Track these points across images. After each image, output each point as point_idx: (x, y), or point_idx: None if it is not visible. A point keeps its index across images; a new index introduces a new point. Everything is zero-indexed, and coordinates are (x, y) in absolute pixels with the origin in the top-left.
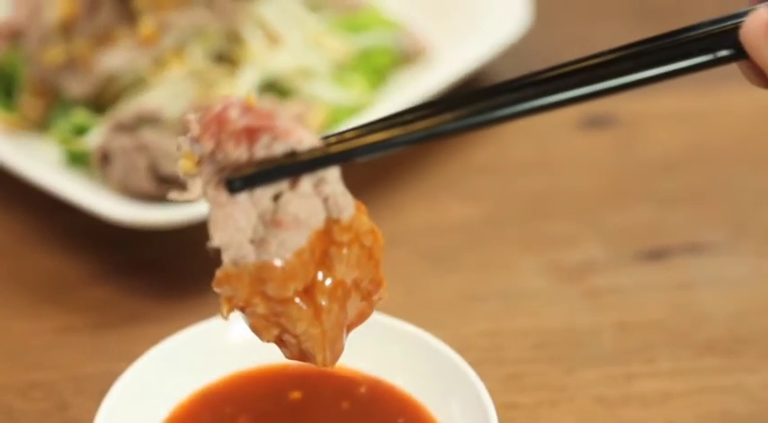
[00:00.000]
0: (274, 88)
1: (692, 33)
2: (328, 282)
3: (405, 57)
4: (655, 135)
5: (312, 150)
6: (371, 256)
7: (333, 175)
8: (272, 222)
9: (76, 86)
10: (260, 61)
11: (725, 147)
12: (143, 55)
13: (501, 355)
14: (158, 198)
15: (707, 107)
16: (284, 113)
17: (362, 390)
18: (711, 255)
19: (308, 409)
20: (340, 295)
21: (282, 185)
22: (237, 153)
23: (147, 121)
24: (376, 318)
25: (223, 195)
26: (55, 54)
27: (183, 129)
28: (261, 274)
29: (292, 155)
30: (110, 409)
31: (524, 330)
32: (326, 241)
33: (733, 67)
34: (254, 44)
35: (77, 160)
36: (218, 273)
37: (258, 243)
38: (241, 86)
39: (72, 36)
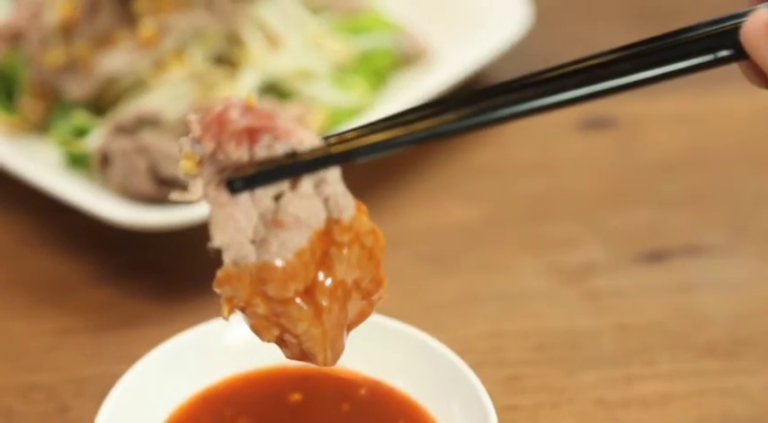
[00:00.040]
0: (274, 90)
1: (692, 34)
2: (329, 282)
3: (405, 59)
4: (655, 137)
5: (313, 151)
6: (372, 256)
7: (333, 175)
8: (272, 223)
9: (77, 88)
10: (260, 63)
11: (725, 149)
12: (143, 57)
13: (501, 356)
14: (158, 200)
15: (706, 109)
16: (285, 114)
17: (363, 391)
18: (711, 257)
19: (308, 410)
20: (340, 295)
21: (283, 186)
22: (238, 153)
23: (148, 123)
24: (376, 319)
25: (224, 196)
26: (55, 56)
27: (183, 129)
28: (262, 275)
29: (293, 155)
30: (110, 411)
31: (524, 332)
32: (327, 241)
33: (732, 69)
34: (255, 46)
35: (77, 162)
36: (219, 273)
37: (259, 243)
38: (241, 88)
39: (72, 38)
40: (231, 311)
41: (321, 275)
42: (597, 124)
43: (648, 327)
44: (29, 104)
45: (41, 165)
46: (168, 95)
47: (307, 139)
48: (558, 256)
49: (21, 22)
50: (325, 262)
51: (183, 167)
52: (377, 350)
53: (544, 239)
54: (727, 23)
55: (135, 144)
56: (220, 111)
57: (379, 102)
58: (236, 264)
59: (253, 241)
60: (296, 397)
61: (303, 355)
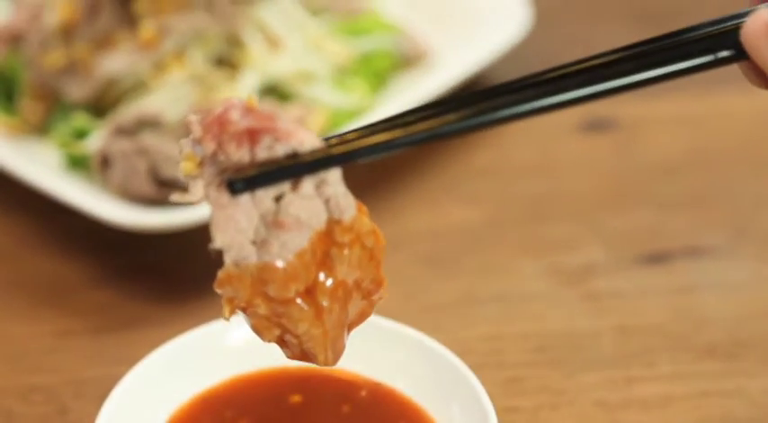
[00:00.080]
0: (275, 92)
1: (693, 34)
2: (330, 282)
3: (405, 60)
4: (655, 138)
5: (314, 152)
6: (373, 256)
7: (334, 176)
8: (273, 223)
9: (77, 90)
10: (260, 65)
11: (725, 150)
12: (143, 59)
13: (501, 358)
14: (158, 201)
15: (707, 111)
16: (285, 115)
17: (363, 393)
18: (712, 258)
19: (308, 412)
20: (341, 295)
21: (284, 187)
22: (239, 154)
23: (148, 124)
24: (376, 321)
25: (225, 197)
26: (55, 58)
27: (184, 131)
28: (262, 275)
29: (294, 156)
30: (110, 413)
31: (525, 334)
32: (328, 242)
33: (733, 70)
34: (255, 48)
35: (77, 164)
36: (220, 274)
37: (260, 244)
38: (241, 90)
39: (72, 40)
40: (232, 312)
41: (322, 276)
42: (597, 126)
43: (649, 328)
44: (29, 106)
45: (41, 166)
46: (168, 97)
47: (307, 140)
48: (558, 257)
49: (21, 24)
50: (325, 262)
51: (184, 168)
52: (377, 352)
53: (544, 241)
54: (728, 24)
55: (135, 146)
56: (221, 112)
57: (379, 103)
58: (236, 264)
59: (254, 242)
60: (296, 398)
61: (304, 355)
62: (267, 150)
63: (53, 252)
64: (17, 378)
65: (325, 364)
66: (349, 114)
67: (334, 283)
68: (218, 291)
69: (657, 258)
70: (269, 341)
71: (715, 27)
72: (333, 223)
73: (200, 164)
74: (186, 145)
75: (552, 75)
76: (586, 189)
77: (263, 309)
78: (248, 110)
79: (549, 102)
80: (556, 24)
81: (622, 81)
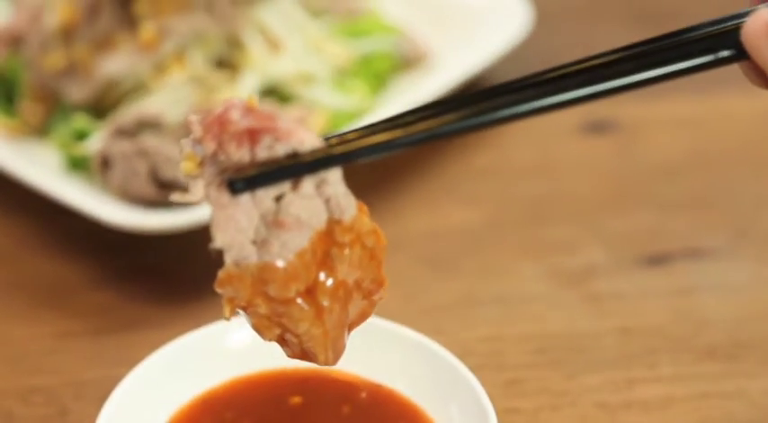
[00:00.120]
0: (275, 93)
1: (693, 34)
2: (330, 282)
3: (405, 62)
4: (656, 140)
5: (314, 151)
6: (373, 256)
7: (334, 176)
8: (273, 223)
9: (77, 91)
10: (260, 66)
11: (726, 152)
12: (143, 60)
13: (501, 360)
14: (159, 203)
15: (707, 112)
16: (286, 115)
17: (363, 395)
18: (712, 260)
19: (308, 413)
20: (341, 295)
21: (284, 186)
22: (239, 154)
23: (148, 126)
24: (376, 322)
25: (225, 197)
26: (55, 59)
27: (184, 132)
28: (263, 275)
29: (294, 156)
30: (110, 414)
31: (525, 335)
32: (328, 242)
33: (733, 72)
34: (255, 49)
35: (78, 165)
36: (221, 273)
37: (260, 244)
38: (242, 92)
39: (72, 41)
40: (233, 312)
41: (322, 276)
42: (598, 127)
43: (649, 330)
44: (29, 108)
45: (41, 168)
46: (169, 98)
47: (308, 140)
48: (558, 258)
49: (21, 26)
50: (326, 262)
51: (184, 168)
52: (377, 353)
53: (545, 242)
54: (728, 23)
55: (135, 147)
56: (221, 112)
57: (379, 105)
58: (237, 264)
59: (254, 242)
60: (296, 400)
61: (304, 355)
62: (267, 150)
63: (53, 253)
64: (17, 379)
65: (326, 364)
66: (349, 116)
67: (334, 282)
68: (219, 290)
69: (658, 260)
70: (269, 340)
71: (715, 27)
72: (333, 223)
73: (201, 164)
74: (187, 145)
75: (552, 75)
76: (587, 190)
77: (263, 308)
78: (248, 110)
79: (548, 102)
80: (556, 25)
81: (622, 81)
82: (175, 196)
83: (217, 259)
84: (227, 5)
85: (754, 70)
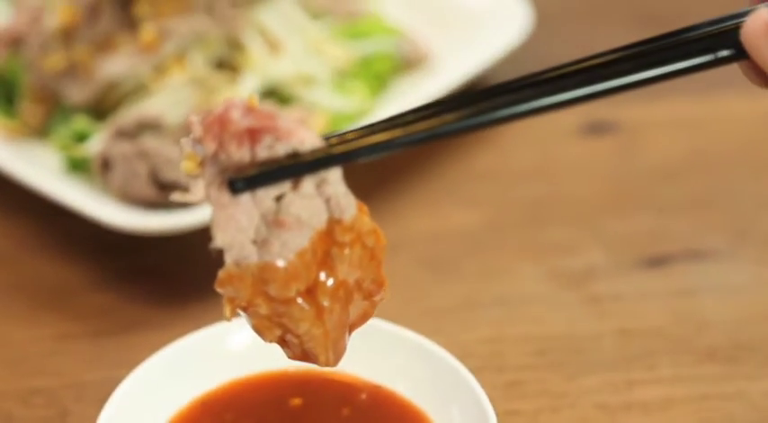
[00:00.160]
0: (275, 95)
1: (693, 34)
2: (330, 282)
3: (406, 63)
4: (655, 142)
5: (314, 151)
6: (373, 256)
7: (335, 175)
8: (274, 223)
9: (77, 93)
10: (261, 68)
11: (726, 153)
12: (144, 61)
13: (502, 361)
14: (159, 204)
15: (707, 114)
16: (286, 115)
17: (363, 396)
18: (712, 262)
19: (308, 415)
20: (342, 295)
21: (285, 186)
22: (240, 154)
23: (148, 127)
24: (377, 324)
25: (225, 196)
26: (55, 61)
27: (185, 133)
28: (263, 275)
29: (294, 155)
30: (110, 416)
31: (525, 337)
32: (328, 242)
33: (733, 73)
34: (255, 51)
35: (78, 167)
36: (221, 273)
37: (260, 244)
38: (242, 93)
39: (72, 43)
40: (233, 312)
41: (323, 276)
42: (598, 129)
43: (649, 331)
44: (29, 109)
45: (42, 169)
46: (169, 100)
47: (308, 140)
48: (558, 260)
49: (21, 27)
50: (326, 262)
51: (185, 168)
52: (377, 355)
53: (545, 244)
54: (728, 23)
55: (135, 149)
56: (222, 111)
57: (379, 106)
58: (237, 264)
59: (254, 242)
60: (296, 401)
61: (305, 356)
62: (268, 150)
63: (53, 255)
64: (17, 381)
65: (327, 365)
66: (349, 117)
67: (335, 282)
68: (219, 290)
69: (658, 261)
70: (270, 341)
71: (715, 27)
72: (333, 223)
73: (201, 163)
74: (187, 144)
75: (551, 75)
76: (587, 192)
77: (264, 308)
78: (249, 109)
79: (548, 101)
80: (556, 27)
81: (621, 81)
82: (176, 196)
83: (217, 260)
84: (227, 7)
85: (753, 70)
